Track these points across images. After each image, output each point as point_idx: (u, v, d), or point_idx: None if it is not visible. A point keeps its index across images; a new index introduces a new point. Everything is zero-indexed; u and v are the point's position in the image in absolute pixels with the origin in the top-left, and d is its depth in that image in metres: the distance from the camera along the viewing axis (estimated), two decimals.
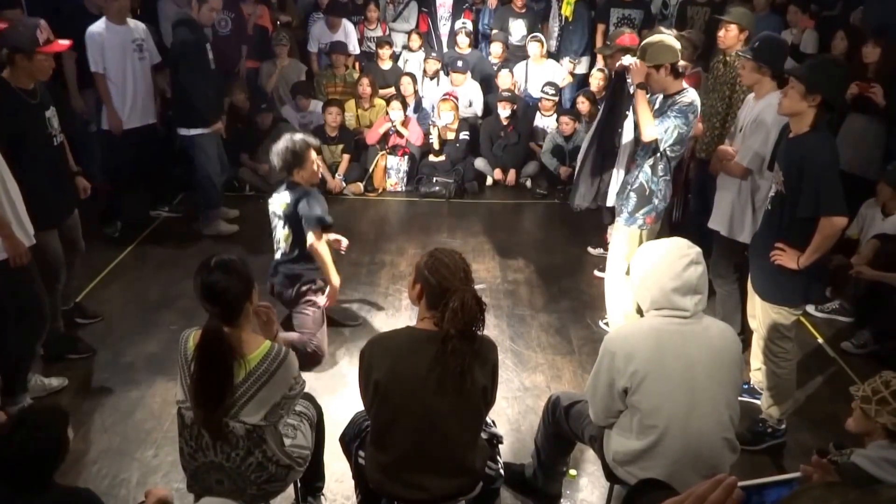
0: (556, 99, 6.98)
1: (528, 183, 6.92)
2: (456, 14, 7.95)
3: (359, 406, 2.51)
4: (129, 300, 4.62)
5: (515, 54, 7.55)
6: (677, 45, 3.58)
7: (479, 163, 6.91)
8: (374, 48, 7.59)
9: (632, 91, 3.72)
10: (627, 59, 3.71)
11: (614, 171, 4.15)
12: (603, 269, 4.37)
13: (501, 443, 2.71)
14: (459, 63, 7.11)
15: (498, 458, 2.62)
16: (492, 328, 4.39)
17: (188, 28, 5.20)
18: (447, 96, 6.85)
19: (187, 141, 5.38)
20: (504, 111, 6.71)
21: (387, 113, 6.79)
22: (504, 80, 7.10)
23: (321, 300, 3.95)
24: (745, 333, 3.71)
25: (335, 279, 3.92)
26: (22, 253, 3.16)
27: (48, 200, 3.56)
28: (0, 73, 3.44)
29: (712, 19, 6.15)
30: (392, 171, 6.78)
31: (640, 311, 2.65)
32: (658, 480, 1.53)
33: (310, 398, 2.80)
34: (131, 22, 5.19)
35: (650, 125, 3.60)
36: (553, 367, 4.04)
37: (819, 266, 3.07)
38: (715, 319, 2.54)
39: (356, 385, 2.42)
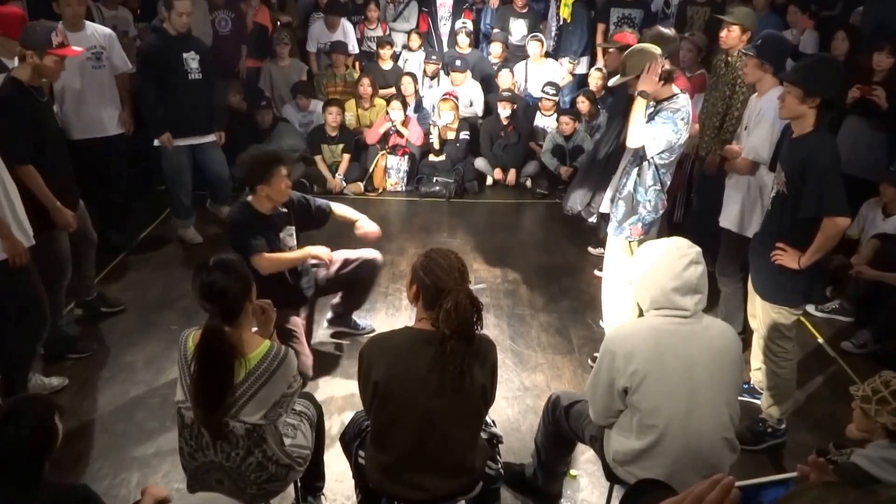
0: (557, 99, 6.99)
1: (529, 183, 6.92)
2: (456, 14, 7.96)
3: (359, 406, 2.51)
4: (129, 300, 4.62)
5: (515, 54, 7.56)
6: (654, 48, 3.51)
7: (480, 162, 6.91)
8: (374, 48, 7.60)
9: (636, 94, 3.62)
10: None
11: (614, 178, 4.14)
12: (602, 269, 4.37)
13: (501, 442, 2.71)
14: (459, 62, 7.12)
15: (498, 457, 2.62)
16: (492, 328, 4.39)
17: (157, 36, 5.06)
18: (447, 96, 6.85)
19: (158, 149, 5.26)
20: (504, 111, 6.71)
21: (387, 113, 6.79)
22: (504, 79, 7.10)
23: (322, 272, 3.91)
24: (746, 333, 3.71)
25: (304, 254, 3.71)
26: (20, 253, 3.17)
27: (56, 192, 3.63)
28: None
29: (712, 19, 6.15)
30: (392, 170, 6.78)
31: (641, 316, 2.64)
32: (657, 481, 1.53)
33: (310, 398, 2.81)
34: (91, 27, 4.85)
35: (638, 131, 3.49)
36: (553, 367, 4.04)
37: (820, 266, 3.07)
38: (715, 319, 2.54)
39: (356, 385, 2.42)
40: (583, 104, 6.71)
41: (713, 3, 6.66)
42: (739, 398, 2.52)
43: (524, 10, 7.62)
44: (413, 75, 7.19)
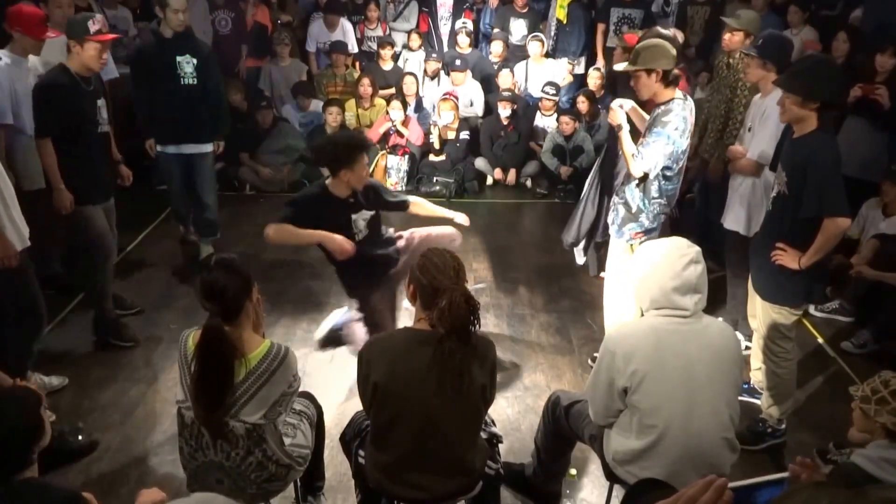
0: (557, 99, 6.99)
1: (529, 183, 6.92)
2: (456, 14, 7.95)
3: (359, 406, 2.51)
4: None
5: (516, 54, 7.56)
6: (673, 51, 3.41)
7: (480, 162, 6.91)
8: (374, 48, 7.59)
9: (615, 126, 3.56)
10: (616, 103, 3.60)
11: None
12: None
13: (501, 442, 2.71)
14: (459, 62, 7.12)
15: (498, 457, 2.61)
16: (492, 328, 4.39)
17: (151, 38, 4.86)
18: (447, 96, 6.85)
19: None
20: (504, 111, 6.71)
21: (387, 112, 6.79)
22: (504, 79, 7.10)
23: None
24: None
25: (320, 237, 3.56)
26: (11, 255, 3.18)
27: (89, 179, 3.89)
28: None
29: (712, 18, 6.16)
30: (392, 170, 6.78)
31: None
32: (657, 480, 1.53)
33: (310, 397, 2.81)
34: None
35: (636, 162, 3.39)
36: (553, 367, 4.04)
37: (820, 266, 3.07)
38: (715, 318, 2.54)
39: (356, 385, 2.42)
40: (583, 104, 6.71)
41: (713, 3, 6.67)
42: (739, 398, 2.52)
43: (524, 10, 7.62)
44: (415, 75, 7.19)
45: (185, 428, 2.37)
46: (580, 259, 4.75)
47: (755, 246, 3.39)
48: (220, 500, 1.79)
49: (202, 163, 5.00)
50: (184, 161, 4.94)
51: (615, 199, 3.71)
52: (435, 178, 6.68)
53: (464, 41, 7.47)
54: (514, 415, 3.61)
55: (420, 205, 3.94)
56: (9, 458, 2.02)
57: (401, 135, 6.76)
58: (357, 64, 7.58)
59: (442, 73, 7.45)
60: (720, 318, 3.38)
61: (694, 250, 2.41)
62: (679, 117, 3.36)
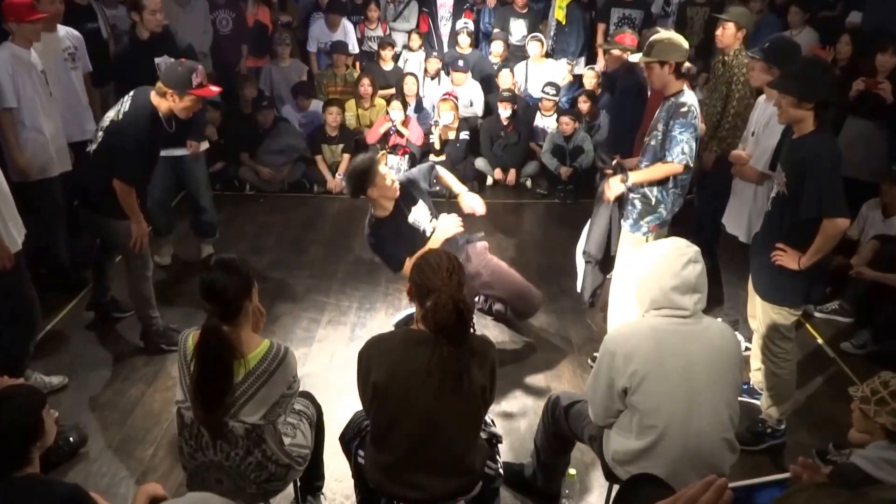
0: (557, 99, 6.99)
1: (529, 183, 6.92)
2: (456, 14, 7.94)
3: (359, 406, 2.51)
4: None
5: (516, 54, 7.55)
6: (686, 45, 3.56)
7: (480, 163, 6.90)
8: (375, 48, 7.59)
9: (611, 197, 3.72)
10: (616, 180, 3.69)
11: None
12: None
13: (501, 442, 2.71)
14: (460, 62, 7.11)
15: (497, 457, 2.62)
16: (492, 328, 4.39)
17: (127, 42, 4.80)
18: (447, 96, 6.85)
19: None
20: (504, 111, 6.71)
21: (387, 112, 6.79)
22: (504, 79, 7.10)
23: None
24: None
25: (435, 240, 3.77)
26: (3, 257, 3.19)
27: (143, 203, 3.90)
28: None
29: (712, 19, 6.16)
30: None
31: None
32: (652, 475, 1.52)
33: (309, 397, 2.81)
34: (62, 29, 4.66)
35: (677, 161, 3.46)
36: (553, 367, 4.04)
37: (820, 267, 3.07)
38: (714, 319, 2.55)
39: (356, 384, 2.43)
40: (584, 104, 6.71)
41: (713, 3, 6.67)
42: (739, 398, 2.52)
43: (524, 10, 7.61)
44: (415, 75, 7.19)
45: (184, 428, 2.38)
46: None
47: (755, 246, 3.39)
48: (216, 500, 1.79)
49: (193, 165, 4.89)
50: (172, 164, 4.76)
51: (630, 195, 3.74)
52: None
53: (464, 41, 7.46)
54: (513, 415, 3.61)
55: (442, 177, 4.08)
56: (6, 454, 2.03)
57: (401, 135, 6.76)
58: (357, 64, 7.57)
59: (442, 73, 7.45)
60: (719, 319, 3.40)
61: (693, 250, 2.41)
62: (693, 106, 3.51)
